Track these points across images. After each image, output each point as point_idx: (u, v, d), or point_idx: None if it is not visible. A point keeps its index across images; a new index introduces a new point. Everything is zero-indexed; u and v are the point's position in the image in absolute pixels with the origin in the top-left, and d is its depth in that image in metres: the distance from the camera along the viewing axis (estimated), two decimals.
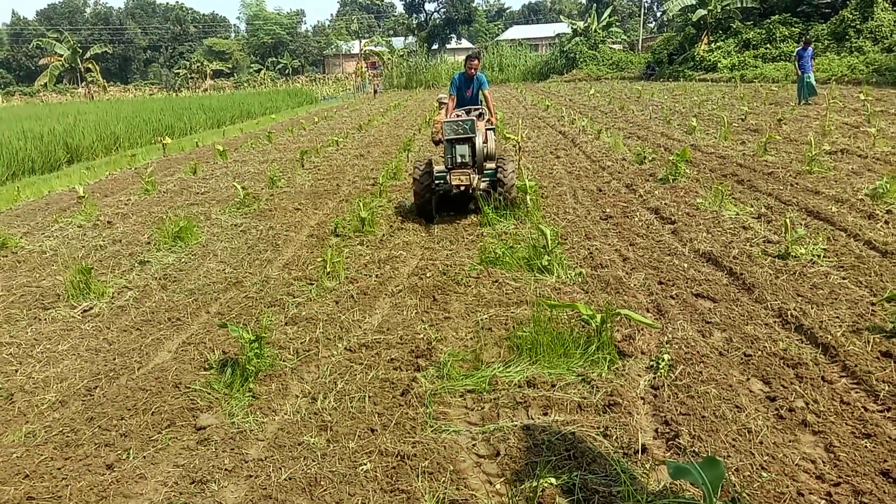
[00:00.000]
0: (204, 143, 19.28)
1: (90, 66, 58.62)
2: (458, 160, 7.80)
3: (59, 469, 3.35)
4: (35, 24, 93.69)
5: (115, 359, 4.66)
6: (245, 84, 71.42)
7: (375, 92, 49.19)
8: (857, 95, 19.10)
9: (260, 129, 22.62)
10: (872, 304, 4.81)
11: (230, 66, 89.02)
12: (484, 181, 8.14)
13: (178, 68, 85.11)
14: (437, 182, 8.02)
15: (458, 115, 8.29)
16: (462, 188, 7.77)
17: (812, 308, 4.78)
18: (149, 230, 8.29)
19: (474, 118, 8.03)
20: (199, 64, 79.62)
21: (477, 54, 9.29)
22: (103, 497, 3.11)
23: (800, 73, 18.59)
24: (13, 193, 12.11)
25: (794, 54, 19.22)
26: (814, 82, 18.86)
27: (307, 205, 9.42)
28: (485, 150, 8.09)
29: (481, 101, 9.13)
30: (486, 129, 8.47)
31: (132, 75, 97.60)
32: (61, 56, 56.90)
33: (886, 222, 6.74)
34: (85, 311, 5.68)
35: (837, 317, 4.63)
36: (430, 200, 8.16)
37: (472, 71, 8.96)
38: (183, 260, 7.04)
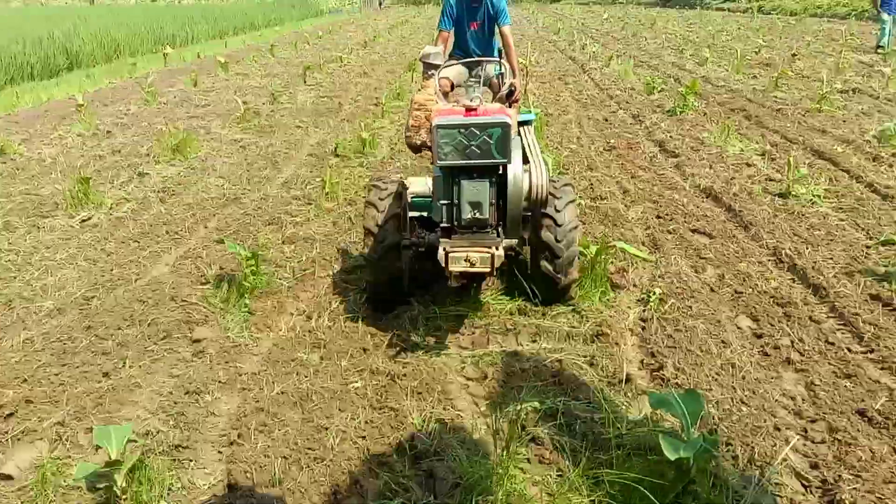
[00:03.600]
0: (206, 53, 18.92)
1: None
2: (469, 215, 3.53)
3: (56, 375, 3.43)
4: None
5: (112, 269, 4.70)
6: None
7: (380, 4, 48.57)
8: (875, 33, 18.63)
9: (263, 41, 22.14)
10: (867, 248, 4.83)
11: None
12: (509, 245, 3.73)
13: None
14: (414, 244, 3.93)
15: (465, 104, 3.49)
16: (469, 278, 4.18)
17: (807, 248, 4.79)
18: (148, 142, 8.23)
19: (507, 115, 3.43)
20: None
21: None
22: (99, 403, 3.19)
23: (880, 12, 15.31)
24: (12, 99, 11.95)
25: None
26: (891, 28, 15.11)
27: (308, 123, 9.32)
28: (526, 190, 3.67)
29: (498, 50, 5.65)
30: (522, 127, 4.07)
31: None
32: None
33: (891, 165, 6.69)
34: (83, 220, 5.69)
35: (831, 258, 4.65)
36: (397, 280, 3.98)
37: None
38: (182, 174, 7.01)
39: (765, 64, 13.85)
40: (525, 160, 3.72)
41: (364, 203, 4.04)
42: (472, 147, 3.31)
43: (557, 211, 3.79)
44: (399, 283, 3.97)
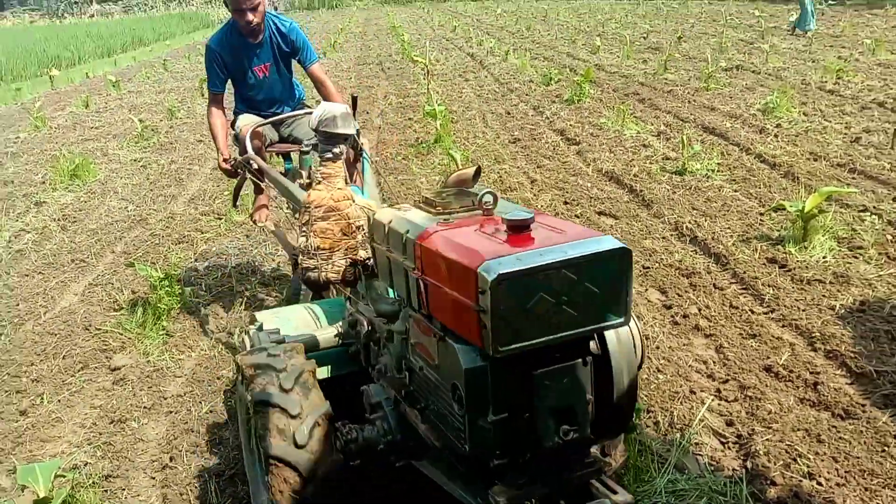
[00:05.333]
0: (95, 73, 18.19)
1: None
2: (553, 438, 1.72)
3: None
4: None
5: (18, 304, 4.51)
6: (135, 8, 67.09)
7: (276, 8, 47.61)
8: (752, 12, 19.68)
9: (154, 56, 21.46)
10: (761, 215, 5.14)
11: None
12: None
13: None
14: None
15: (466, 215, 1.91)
16: None
17: (706, 220, 5.07)
18: (43, 169, 7.89)
19: (616, 240, 1.68)
20: None
21: None
22: (19, 443, 3.08)
23: None
24: None
25: None
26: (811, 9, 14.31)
27: (209, 136, 9.11)
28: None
29: (299, 102, 4.44)
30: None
31: (8, 1, 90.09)
32: None
33: (776, 136, 7.12)
34: None
35: (729, 228, 4.94)
36: None
37: (254, 20, 3.88)
38: (82, 199, 6.76)
39: (653, 48, 14.44)
40: None
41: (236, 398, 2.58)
42: (564, 307, 1.60)
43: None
44: None
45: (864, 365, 3.18)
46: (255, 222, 4.61)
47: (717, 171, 6.20)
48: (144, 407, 3.31)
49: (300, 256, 2.70)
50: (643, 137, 7.55)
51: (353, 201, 2.70)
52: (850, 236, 4.61)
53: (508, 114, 9.46)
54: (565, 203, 5.74)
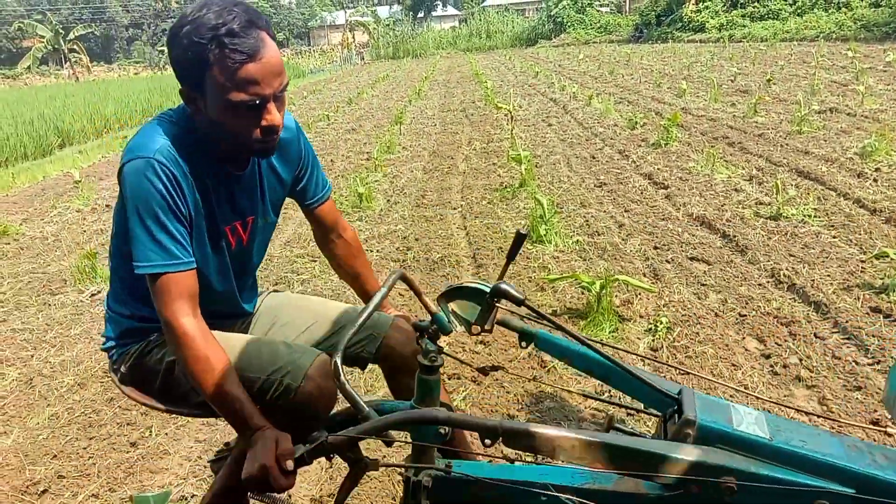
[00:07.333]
0: None
1: (75, 46, 57.98)
2: None
3: (84, 448, 3.49)
4: (13, 5, 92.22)
5: None
6: None
7: (362, 58, 50.19)
8: (844, 53, 19.14)
9: None
10: (862, 262, 4.96)
11: None
12: None
13: (162, 45, 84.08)
14: None
15: None
16: None
17: (804, 267, 4.92)
18: None
19: None
20: None
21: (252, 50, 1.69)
22: (130, 473, 3.25)
23: None
24: (8, 180, 12.10)
25: None
26: None
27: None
28: None
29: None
30: None
31: (115, 55, 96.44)
32: (44, 38, 56.21)
33: (875, 180, 6.87)
34: (93, 295, 5.78)
35: (828, 275, 4.78)
36: None
37: (279, 121, 1.80)
38: None
39: (741, 91, 14.20)
40: None
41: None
42: None
43: None
44: None
45: None
46: None
47: (814, 216, 6.03)
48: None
49: None
50: (734, 182, 7.42)
51: None
52: None
53: (593, 158, 9.46)
54: (655, 248, 5.69)
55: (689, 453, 1.41)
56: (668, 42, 36.74)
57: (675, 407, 1.64)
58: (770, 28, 30.59)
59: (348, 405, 1.54)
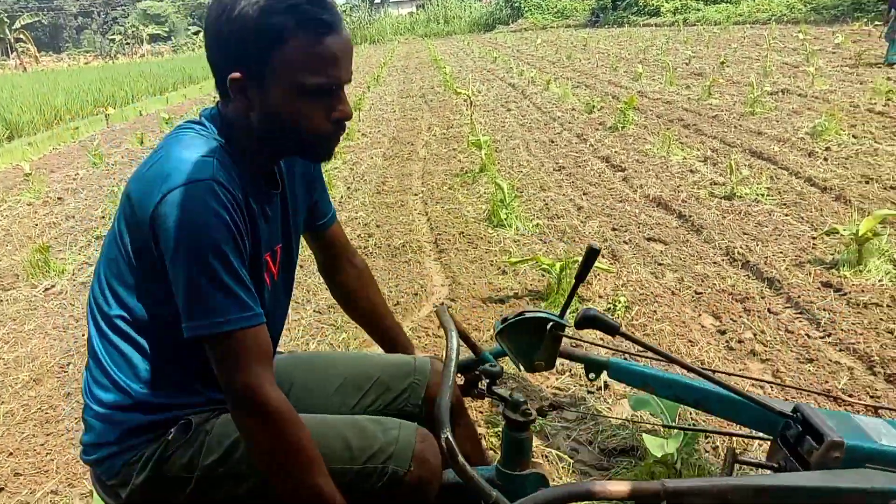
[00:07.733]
0: (147, 111, 18.84)
1: (21, 35, 56.31)
2: None
3: (41, 445, 3.42)
4: None
5: (84, 335, 4.68)
6: (184, 47, 69.34)
7: None
8: (795, 35, 19.51)
9: (205, 94, 22.15)
10: (814, 239, 5.09)
11: (167, 29, 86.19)
12: None
13: (113, 34, 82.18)
14: None
15: None
16: None
17: (757, 245, 5.04)
18: (102, 204, 8.19)
19: None
20: (133, 29, 77.08)
21: None
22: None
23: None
24: None
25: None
26: None
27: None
28: None
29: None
30: None
31: (64, 44, 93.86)
32: None
33: (825, 159, 7.05)
34: (47, 289, 5.65)
35: (781, 252, 4.90)
36: None
37: (349, 110, 1.51)
38: None
39: (696, 74, 14.41)
40: None
41: None
42: None
43: None
44: None
45: None
46: None
47: (767, 195, 6.16)
48: None
49: None
50: (690, 163, 7.54)
51: None
52: None
53: (552, 142, 9.52)
54: (613, 230, 5.76)
55: (855, 481, 1.28)
56: (624, 26, 37.04)
57: (797, 427, 1.51)
58: (723, 11, 31.06)
59: None
